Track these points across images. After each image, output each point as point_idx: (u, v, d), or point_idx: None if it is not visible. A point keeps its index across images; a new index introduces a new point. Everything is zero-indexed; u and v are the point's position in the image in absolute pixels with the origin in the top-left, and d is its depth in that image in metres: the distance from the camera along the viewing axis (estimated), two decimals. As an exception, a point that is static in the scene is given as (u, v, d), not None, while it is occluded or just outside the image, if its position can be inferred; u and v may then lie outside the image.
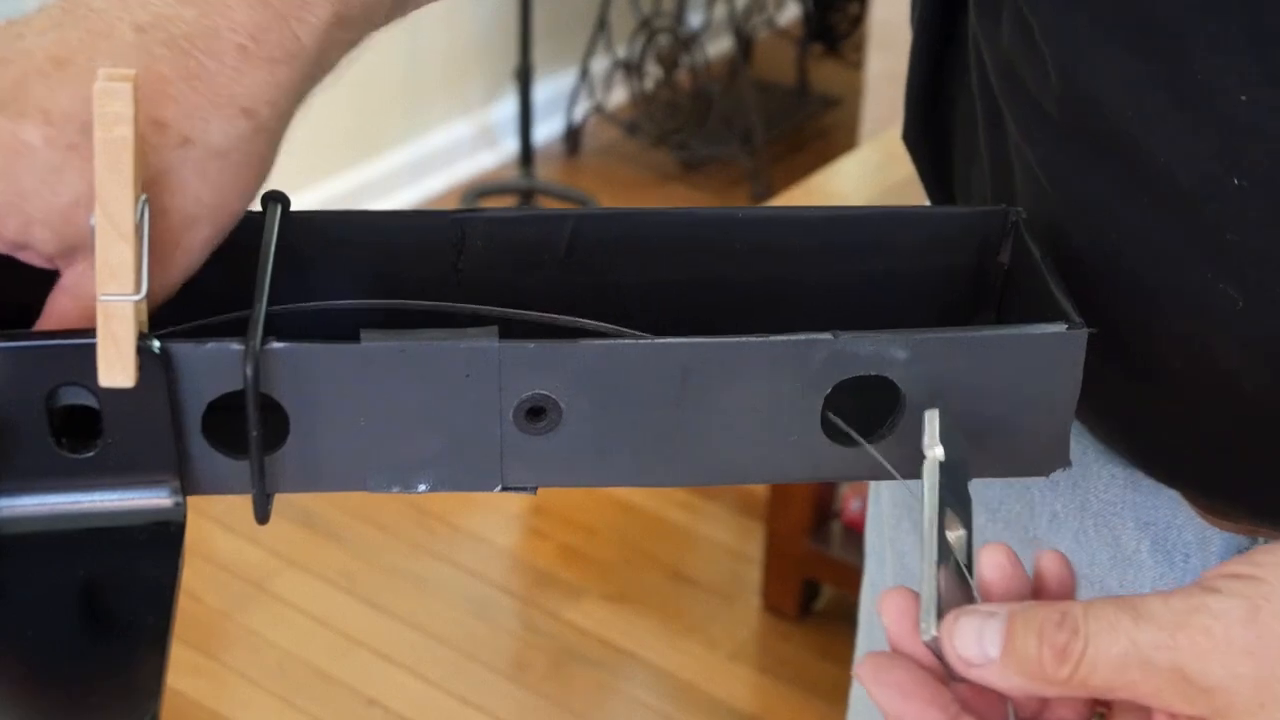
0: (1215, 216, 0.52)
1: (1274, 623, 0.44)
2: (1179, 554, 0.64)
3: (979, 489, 0.70)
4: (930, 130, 0.70)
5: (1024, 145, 0.58)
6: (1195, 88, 0.51)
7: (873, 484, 0.83)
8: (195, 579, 2.03)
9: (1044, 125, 0.56)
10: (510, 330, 0.52)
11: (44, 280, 0.54)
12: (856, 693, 0.87)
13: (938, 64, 0.68)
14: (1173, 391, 0.57)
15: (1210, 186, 0.52)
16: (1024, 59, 0.56)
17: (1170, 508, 0.64)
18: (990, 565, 0.48)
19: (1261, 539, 0.62)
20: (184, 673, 1.91)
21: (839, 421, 0.54)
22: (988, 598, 0.48)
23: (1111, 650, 0.44)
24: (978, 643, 0.45)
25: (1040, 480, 0.67)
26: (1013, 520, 0.69)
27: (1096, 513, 0.66)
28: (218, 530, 2.11)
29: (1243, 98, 0.50)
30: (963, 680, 0.47)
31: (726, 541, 2.18)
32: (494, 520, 2.20)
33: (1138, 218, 0.54)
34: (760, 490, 2.09)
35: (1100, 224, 0.56)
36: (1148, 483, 0.64)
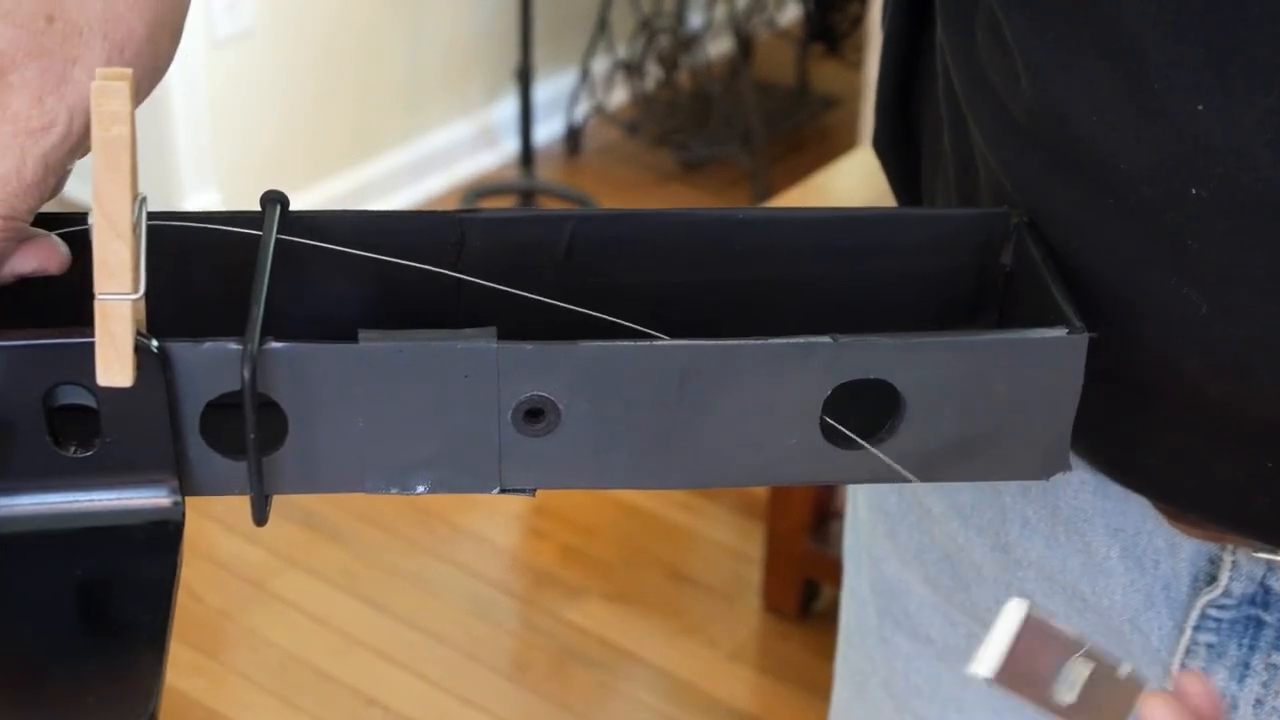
0: (1176, 226, 0.52)
1: None
2: (1149, 560, 0.65)
3: (951, 494, 0.71)
4: (900, 137, 0.70)
5: (989, 151, 0.59)
6: (1155, 99, 0.51)
7: (850, 490, 0.83)
8: (196, 579, 2.03)
9: (1011, 131, 0.57)
10: (514, 330, 0.52)
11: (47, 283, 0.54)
12: (838, 693, 0.87)
13: (908, 71, 0.69)
14: (1139, 400, 0.57)
15: (1170, 196, 0.52)
16: (995, 64, 0.57)
17: (1139, 514, 0.64)
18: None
19: (1229, 546, 0.62)
20: (184, 672, 1.91)
21: (839, 426, 0.54)
22: None
23: None
24: None
25: (1012, 487, 0.67)
26: (985, 527, 0.69)
27: (1067, 519, 0.66)
28: (219, 530, 2.11)
29: (1200, 108, 0.50)
30: None
31: (727, 541, 2.17)
32: (494, 520, 2.20)
33: (1102, 225, 0.55)
34: (760, 490, 2.09)
35: (1065, 230, 0.56)
36: (1117, 490, 0.64)
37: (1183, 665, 0.65)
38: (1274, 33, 0.49)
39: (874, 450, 0.54)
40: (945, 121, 0.64)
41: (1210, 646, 0.64)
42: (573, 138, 3.12)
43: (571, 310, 0.56)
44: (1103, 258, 0.55)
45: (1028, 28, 0.54)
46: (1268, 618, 0.62)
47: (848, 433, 0.54)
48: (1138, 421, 0.59)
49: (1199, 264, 0.52)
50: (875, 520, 0.77)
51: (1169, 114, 0.51)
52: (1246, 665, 0.63)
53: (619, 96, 3.16)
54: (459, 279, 0.59)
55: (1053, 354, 0.53)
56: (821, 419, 0.54)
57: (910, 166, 0.71)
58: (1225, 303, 0.52)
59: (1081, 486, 0.65)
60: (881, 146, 0.72)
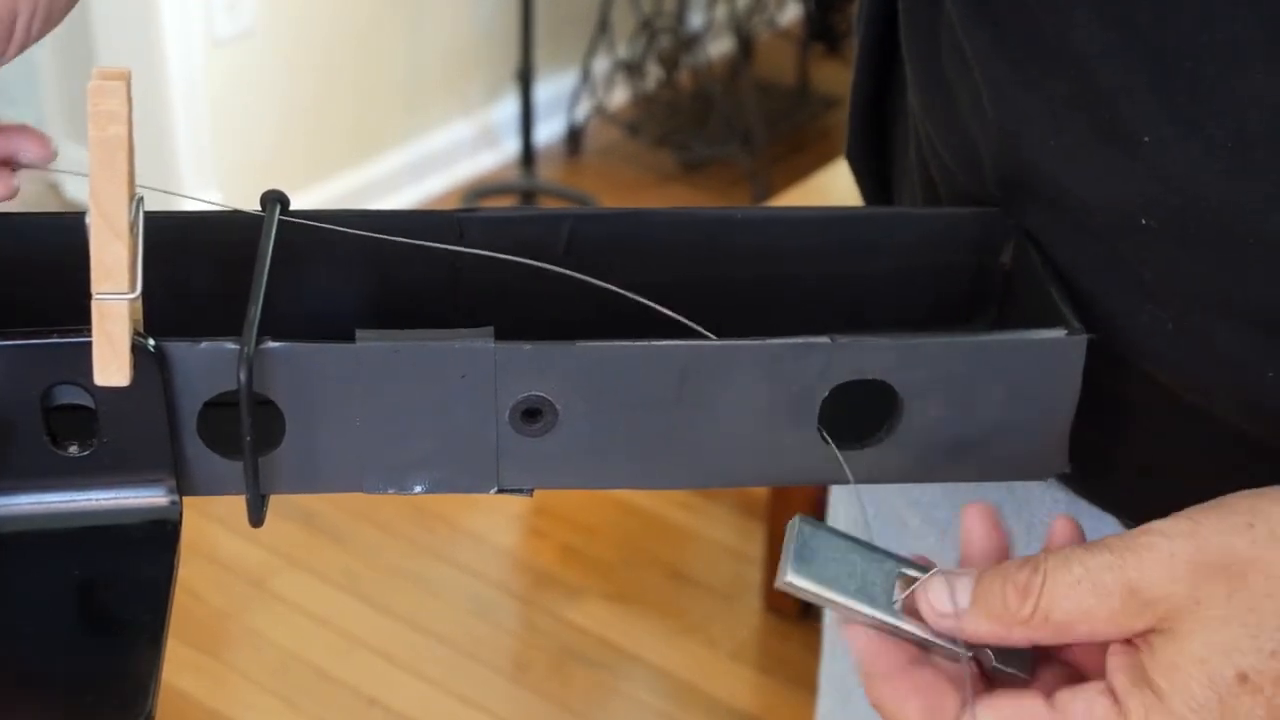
0: (1131, 251, 0.52)
1: (1213, 537, 0.47)
2: None
3: (927, 509, 0.71)
4: (872, 149, 0.70)
5: (954, 167, 0.58)
6: (1108, 128, 0.51)
7: (830, 500, 0.83)
8: (196, 578, 2.03)
9: (972, 149, 0.56)
10: (512, 330, 0.52)
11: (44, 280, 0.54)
12: (823, 702, 0.87)
13: (881, 83, 0.69)
14: (1107, 418, 0.57)
15: (1122, 224, 0.52)
16: (959, 82, 0.57)
17: (1110, 532, 0.64)
18: (975, 532, 0.53)
19: None
20: (185, 672, 1.91)
21: (823, 434, 0.54)
22: (969, 561, 0.52)
23: (1067, 578, 0.47)
24: (949, 596, 0.49)
25: (988, 502, 0.67)
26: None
27: (1041, 536, 0.66)
28: (219, 530, 2.11)
29: (1147, 139, 0.50)
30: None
31: (727, 541, 2.17)
32: (494, 520, 2.20)
33: (1064, 244, 0.55)
34: (761, 490, 2.09)
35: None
36: (1089, 508, 0.63)
37: None
38: (1221, 62, 0.48)
39: (837, 453, 0.54)
40: (911, 135, 0.64)
41: None
42: (573, 138, 3.12)
43: (569, 310, 0.56)
44: (1069, 273, 0.55)
45: (988, 45, 0.54)
46: None
47: (825, 437, 0.54)
48: (1108, 440, 0.59)
49: (1157, 288, 0.52)
50: (853, 533, 0.77)
51: (1121, 143, 0.51)
52: None
53: (619, 97, 3.16)
54: (458, 278, 0.59)
55: (1051, 355, 0.53)
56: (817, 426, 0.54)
57: (883, 178, 0.71)
58: (1186, 323, 0.52)
59: (1055, 505, 0.65)
60: (855, 157, 0.72)
